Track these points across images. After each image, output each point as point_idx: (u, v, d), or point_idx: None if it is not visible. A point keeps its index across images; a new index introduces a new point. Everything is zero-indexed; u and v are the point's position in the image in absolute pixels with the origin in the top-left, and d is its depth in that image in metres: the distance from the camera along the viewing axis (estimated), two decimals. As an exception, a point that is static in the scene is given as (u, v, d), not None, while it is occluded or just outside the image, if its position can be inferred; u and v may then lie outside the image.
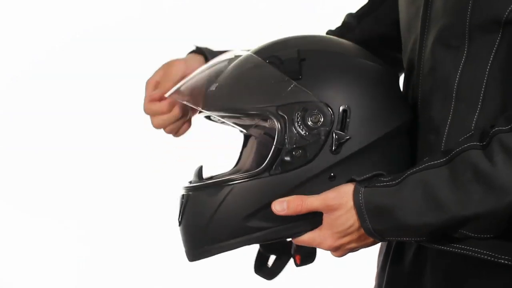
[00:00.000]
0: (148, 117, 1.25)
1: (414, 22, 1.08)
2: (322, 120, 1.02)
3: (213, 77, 1.10)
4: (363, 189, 0.99)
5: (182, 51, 1.31)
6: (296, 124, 1.02)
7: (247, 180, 1.04)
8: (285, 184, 1.03)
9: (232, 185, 1.04)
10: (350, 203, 1.00)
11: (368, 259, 1.40)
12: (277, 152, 1.02)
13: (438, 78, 1.03)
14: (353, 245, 1.04)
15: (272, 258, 1.21)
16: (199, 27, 2.73)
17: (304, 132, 1.02)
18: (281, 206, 1.01)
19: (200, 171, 1.13)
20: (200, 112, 1.12)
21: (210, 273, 2.67)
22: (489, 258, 0.98)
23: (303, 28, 1.24)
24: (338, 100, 1.03)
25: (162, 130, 1.23)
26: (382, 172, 1.01)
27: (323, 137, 1.02)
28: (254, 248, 1.20)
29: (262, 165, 1.03)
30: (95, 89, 2.73)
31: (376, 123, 1.03)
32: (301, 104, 1.02)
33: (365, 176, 1.00)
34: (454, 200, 0.93)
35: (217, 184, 1.06)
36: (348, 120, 1.02)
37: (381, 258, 1.19)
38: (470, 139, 0.95)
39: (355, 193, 0.99)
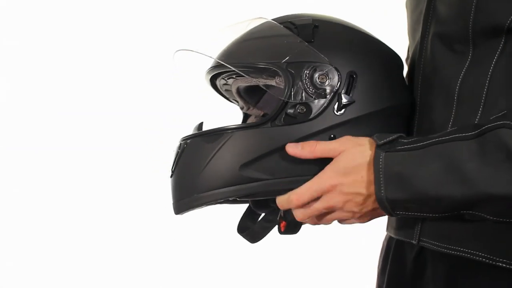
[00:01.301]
0: (148, 117, 1.25)
1: (417, 27, 1.10)
2: (329, 81, 1.05)
3: (230, 36, 1.13)
4: (384, 154, 0.97)
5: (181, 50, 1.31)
6: (304, 81, 1.05)
7: (248, 129, 1.05)
8: (285, 136, 1.04)
9: (232, 132, 1.05)
10: (368, 161, 0.99)
11: (369, 261, 1.41)
12: (282, 106, 1.04)
13: (439, 81, 1.03)
14: (350, 205, 1.01)
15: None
16: (199, 28, 2.73)
17: (310, 89, 1.04)
18: (295, 147, 1.02)
19: (200, 126, 1.14)
20: (212, 68, 1.13)
21: (210, 273, 2.67)
22: (487, 261, 0.98)
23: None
24: (346, 65, 1.06)
25: (162, 130, 1.24)
26: (402, 134, 1.00)
27: (328, 97, 1.04)
28: (254, 245, 1.19)
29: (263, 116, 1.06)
30: (95, 89, 2.73)
31: (379, 94, 1.07)
32: (311, 64, 1.05)
33: (386, 140, 0.98)
34: (481, 177, 0.91)
35: (217, 131, 1.06)
36: (354, 84, 1.05)
37: (381, 259, 1.19)
38: (502, 118, 0.93)
39: (376, 158, 0.97)
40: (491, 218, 0.94)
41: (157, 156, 2.61)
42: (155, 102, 2.61)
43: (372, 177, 0.97)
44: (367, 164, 0.98)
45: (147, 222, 2.62)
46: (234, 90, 1.16)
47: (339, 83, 1.04)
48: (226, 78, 1.15)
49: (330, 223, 1.07)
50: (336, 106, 1.04)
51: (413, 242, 1.06)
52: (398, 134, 0.99)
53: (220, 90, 1.18)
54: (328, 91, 1.04)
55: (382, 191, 0.96)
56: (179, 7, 2.75)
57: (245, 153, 1.05)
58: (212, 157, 1.05)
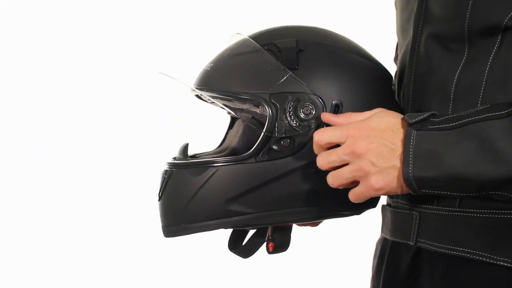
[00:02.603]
0: (147, 117, 1.25)
1: (407, 26, 1.09)
2: (313, 112, 1.03)
3: (216, 55, 1.11)
4: (415, 132, 0.93)
5: (181, 51, 1.31)
6: (287, 114, 1.03)
7: (233, 164, 1.04)
8: (270, 172, 1.03)
9: (217, 167, 1.04)
10: (401, 134, 0.95)
11: (363, 262, 1.40)
12: (266, 139, 1.03)
13: (434, 81, 1.02)
14: (372, 154, 0.94)
15: (248, 235, 1.19)
16: (199, 27, 2.73)
17: (294, 122, 1.03)
18: (331, 115, 1.00)
19: (185, 148, 1.13)
20: (193, 90, 1.11)
21: (210, 273, 2.67)
22: (488, 260, 0.97)
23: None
24: (331, 94, 1.04)
25: (162, 130, 1.24)
26: (435, 112, 0.96)
27: (313, 129, 1.02)
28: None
29: (248, 150, 1.04)
30: (95, 89, 2.72)
31: None
32: (295, 95, 1.03)
33: (417, 118, 0.94)
34: None
35: (202, 164, 1.06)
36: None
37: (376, 260, 1.19)
38: None
39: (407, 137, 0.93)
40: None
41: (157, 156, 2.62)
42: (155, 102, 2.61)
43: (401, 151, 0.94)
44: (397, 136, 0.95)
45: (147, 222, 2.62)
46: (220, 103, 1.14)
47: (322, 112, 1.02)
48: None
49: (343, 183, 0.99)
50: None
51: (410, 243, 1.06)
52: (431, 113, 0.95)
53: (206, 101, 1.16)
54: (312, 123, 1.02)
55: (410, 170, 0.93)
56: (180, 8, 2.75)
57: (230, 189, 1.04)
58: (198, 190, 1.05)
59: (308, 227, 1.23)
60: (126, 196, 2.68)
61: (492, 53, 0.97)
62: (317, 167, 1.00)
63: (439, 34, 1.02)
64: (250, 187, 1.03)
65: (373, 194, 0.96)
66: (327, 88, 1.04)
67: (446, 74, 1.01)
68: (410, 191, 0.95)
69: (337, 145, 0.98)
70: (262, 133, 1.03)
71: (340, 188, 0.99)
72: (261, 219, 1.05)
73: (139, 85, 2.64)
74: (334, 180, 0.98)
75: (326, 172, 0.99)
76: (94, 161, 2.72)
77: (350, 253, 2.60)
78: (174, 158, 1.12)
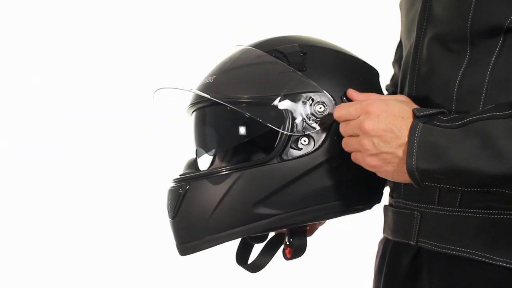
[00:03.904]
0: (148, 117, 1.26)
1: (412, 27, 1.10)
2: (327, 108, 1.06)
3: (215, 68, 1.11)
4: (421, 124, 0.95)
5: (181, 51, 1.31)
6: (303, 113, 1.06)
7: (257, 166, 1.05)
8: (294, 171, 1.05)
9: (241, 172, 1.05)
10: (410, 123, 0.96)
11: (365, 263, 1.40)
12: (286, 139, 1.05)
13: (437, 81, 1.03)
14: (378, 140, 0.97)
15: (255, 248, 1.21)
16: (198, 27, 2.73)
17: (311, 120, 1.06)
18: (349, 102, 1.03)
19: (195, 162, 1.14)
20: (196, 103, 1.11)
21: (210, 273, 2.67)
22: (487, 260, 0.98)
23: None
24: (338, 90, 1.08)
25: (162, 130, 1.25)
26: (444, 110, 0.98)
27: (328, 126, 1.06)
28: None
29: (269, 152, 1.05)
30: (95, 89, 2.73)
31: None
32: (308, 94, 1.06)
33: (425, 112, 0.97)
34: None
35: (222, 172, 1.06)
36: None
37: (377, 261, 1.19)
38: None
39: (413, 127, 0.96)
40: None
41: (157, 156, 2.62)
42: (155, 102, 2.60)
43: (405, 141, 0.96)
44: (405, 124, 0.97)
45: (147, 222, 2.62)
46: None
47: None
48: None
49: (351, 150, 1.03)
50: (337, 134, 1.05)
51: (411, 243, 1.07)
52: (440, 110, 0.97)
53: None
54: (327, 120, 1.06)
55: (413, 162, 0.94)
56: (180, 8, 2.75)
57: (257, 191, 1.05)
58: (223, 198, 1.05)
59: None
60: (126, 196, 2.68)
61: (494, 54, 0.98)
62: (337, 161, 1.05)
63: (441, 35, 1.03)
64: (276, 187, 1.05)
65: (367, 168, 1.01)
66: (333, 86, 1.08)
67: (449, 74, 1.01)
68: (412, 182, 0.97)
69: None
70: (283, 134, 1.05)
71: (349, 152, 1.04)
72: (290, 219, 1.07)
73: (139, 85, 2.64)
74: (344, 145, 1.03)
75: (346, 166, 1.05)
76: (94, 161, 2.72)
77: (353, 254, 2.61)
78: (183, 174, 1.11)
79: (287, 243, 1.15)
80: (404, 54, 1.14)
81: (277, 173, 1.05)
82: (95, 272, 2.69)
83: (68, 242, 2.69)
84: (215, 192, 1.05)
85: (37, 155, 2.70)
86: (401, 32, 1.18)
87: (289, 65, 1.07)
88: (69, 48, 2.72)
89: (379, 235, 1.24)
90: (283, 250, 1.16)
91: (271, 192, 1.05)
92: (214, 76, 1.10)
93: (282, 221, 1.06)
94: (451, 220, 1.01)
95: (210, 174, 1.06)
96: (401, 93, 1.13)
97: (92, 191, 2.70)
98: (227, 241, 1.07)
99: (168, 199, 1.10)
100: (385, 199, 1.20)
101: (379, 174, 1.01)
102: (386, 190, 1.20)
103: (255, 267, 1.19)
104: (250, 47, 1.11)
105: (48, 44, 2.71)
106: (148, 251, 2.69)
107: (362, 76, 1.13)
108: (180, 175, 1.12)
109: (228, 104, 1.06)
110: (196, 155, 1.16)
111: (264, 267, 1.19)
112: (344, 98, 1.07)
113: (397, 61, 1.31)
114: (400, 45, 1.29)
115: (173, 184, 1.09)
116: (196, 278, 2.69)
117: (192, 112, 1.15)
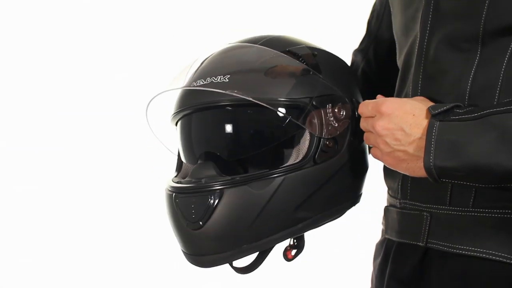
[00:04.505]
0: (146, 118, 1.26)
1: (412, 25, 1.09)
2: (346, 111, 1.09)
3: (219, 68, 1.08)
4: (438, 123, 0.95)
5: (181, 51, 1.31)
6: (329, 116, 1.07)
7: (297, 170, 1.05)
8: (326, 173, 1.07)
9: (284, 176, 1.04)
10: (422, 120, 0.97)
11: (362, 263, 1.40)
12: (317, 142, 1.06)
13: (447, 81, 1.02)
14: (390, 138, 0.99)
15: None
16: (199, 27, 2.73)
17: (334, 122, 1.08)
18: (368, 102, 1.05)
19: (210, 168, 1.07)
20: (206, 105, 1.08)
21: (209, 273, 2.67)
22: (504, 260, 0.98)
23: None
24: (349, 93, 1.11)
25: (161, 130, 1.25)
26: (459, 104, 0.98)
27: (349, 127, 1.09)
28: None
29: (302, 156, 1.06)
30: (95, 89, 2.73)
31: None
32: (329, 97, 1.08)
33: (441, 109, 0.97)
34: None
35: (266, 176, 1.03)
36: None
37: (378, 261, 1.19)
38: None
39: (430, 127, 0.95)
40: None
41: (157, 156, 2.62)
42: (155, 102, 2.60)
43: (416, 137, 0.97)
44: (417, 121, 0.98)
45: (147, 222, 2.62)
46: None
47: (353, 111, 1.09)
48: None
49: (370, 145, 1.05)
50: (352, 134, 1.09)
51: (420, 244, 1.06)
52: (454, 104, 0.97)
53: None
54: (347, 122, 1.08)
55: (431, 159, 0.94)
56: (181, 8, 2.75)
57: (298, 195, 1.05)
58: (266, 203, 1.02)
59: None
60: (126, 196, 2.68)
61: (507, 53, 0.97)
62: (353, 160, 1.09)
63: (450, 34, 1.02)
64: (313, 190, 1.06)
65: (387, 165, 1.03)
66: (345, 88, 1.10)
67: (460, 73, 1.01)
68: (430, 179, 0.96)
69: None
70: (314, 137, 1.06)
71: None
72: (319, 221, 1.09)
73: (140, 85, 2.64)
74: (365, 140, 1.06)
75: (361, 165, 1.10)
76: (94, 161, 2.71)
77: (349, 255, 2.60)
78: (201, 180, 1.05)
79: (291, 244, 1.15)
80: (400, 52, 1.13)
81: (314, 176, 1.06)
82: (95, 272, 2.69)
83: (68, 242, 2.69)
84: (258, 199, 1.02)
85: (37, 155, 2.70)
86: (395, 29, 1.16)
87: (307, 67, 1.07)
88: (69, 48, 2.72)
89: (375, 237, 1.23)
90: (285, 252, 1.15)
91: (308, 195, 1.06)
92: (228, 76, 1.04)
93: (314, 223, 1.08)
94: (465, 220, 1.01)
95: (251, 179, 1.03)
96: (400, 92, 1.13)
97: (92, 191, 2.70)
98: (268, 247, 1.07)
99: (187, 209, 1.04)
100: (384, 199, 1.19)
101: (399, 171, 1.02)
102: (384, 191, 1.19)
103: (247, 270, 1.19)
104: (261, 46, 1.09)
105: (49, 44, 2.71)
106: (148, 251, 2.69)
107: (355, 76, 1.18)
108: (196, 183, 1.05)
109: (267, 105, 1.02)
110: (198, 159, 1.11)
111: (256, 267, 1.18)
112: (354, 99, 1.10)
113: (362, 51, 1.34)
114: (368, 35, 1.32)
115: (191, 192, 1.04)
116: (196, 278, 2.69)
117: (196, 114, 1.12)
